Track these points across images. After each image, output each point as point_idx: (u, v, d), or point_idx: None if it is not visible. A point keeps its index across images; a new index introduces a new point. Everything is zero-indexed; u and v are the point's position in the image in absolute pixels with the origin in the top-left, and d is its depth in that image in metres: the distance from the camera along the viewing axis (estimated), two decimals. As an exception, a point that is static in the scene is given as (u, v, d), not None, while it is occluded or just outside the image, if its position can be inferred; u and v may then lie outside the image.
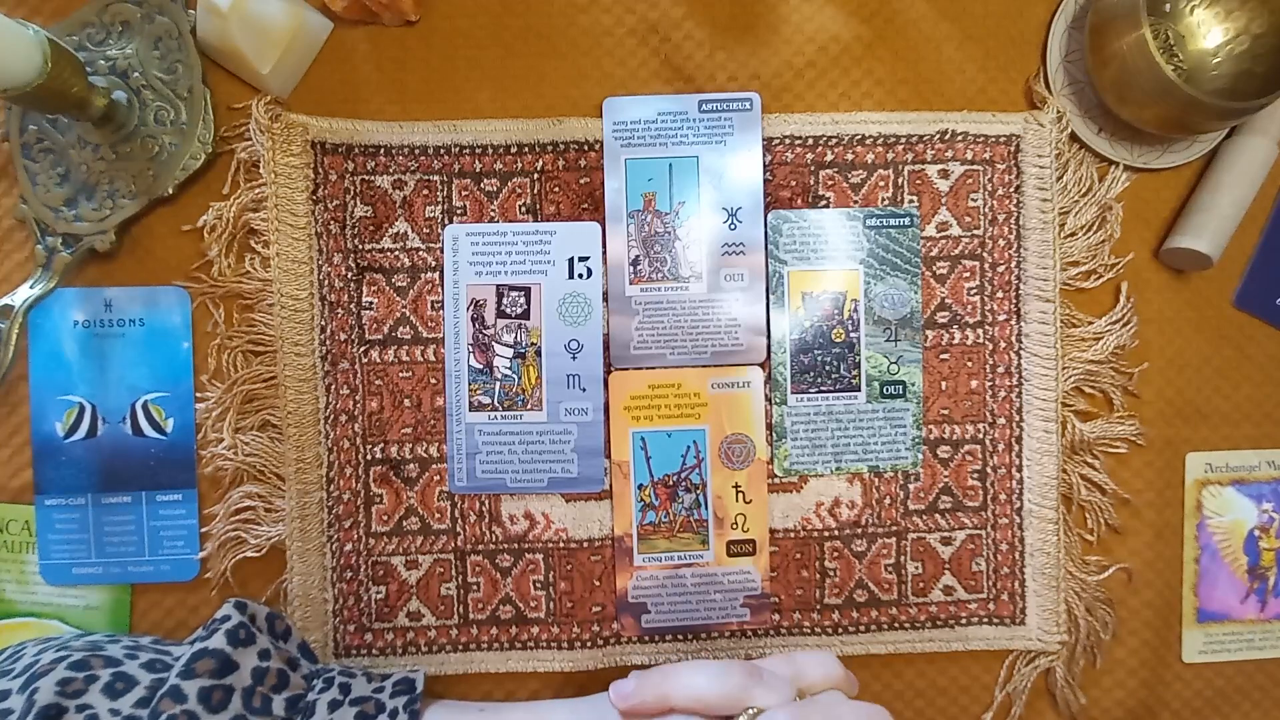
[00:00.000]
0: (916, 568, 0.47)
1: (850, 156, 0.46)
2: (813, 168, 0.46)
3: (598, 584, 0.46)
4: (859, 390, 0.46)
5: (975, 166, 0.47)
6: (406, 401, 0.45)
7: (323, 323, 0.45)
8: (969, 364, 0.47)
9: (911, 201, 0.47)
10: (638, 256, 0.46)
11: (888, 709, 0.34)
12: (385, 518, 0.45)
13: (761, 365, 0.46)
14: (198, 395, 0.45)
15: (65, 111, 0.41)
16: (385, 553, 0.46)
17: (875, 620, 0.47)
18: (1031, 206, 0.46)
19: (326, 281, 0.45)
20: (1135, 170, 0.47)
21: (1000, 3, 0.47)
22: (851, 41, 0.46)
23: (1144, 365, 0.48)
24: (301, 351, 0.45)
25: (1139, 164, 0.47)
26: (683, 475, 0.46)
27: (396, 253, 0.45)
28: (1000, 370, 0.47)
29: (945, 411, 0.47)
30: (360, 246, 0.45)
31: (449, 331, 0.45)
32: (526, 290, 0.46)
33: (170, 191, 0.44)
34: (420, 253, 0.46)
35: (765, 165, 0.46)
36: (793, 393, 0.46)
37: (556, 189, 0.46)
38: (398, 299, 0.45)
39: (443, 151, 0.45)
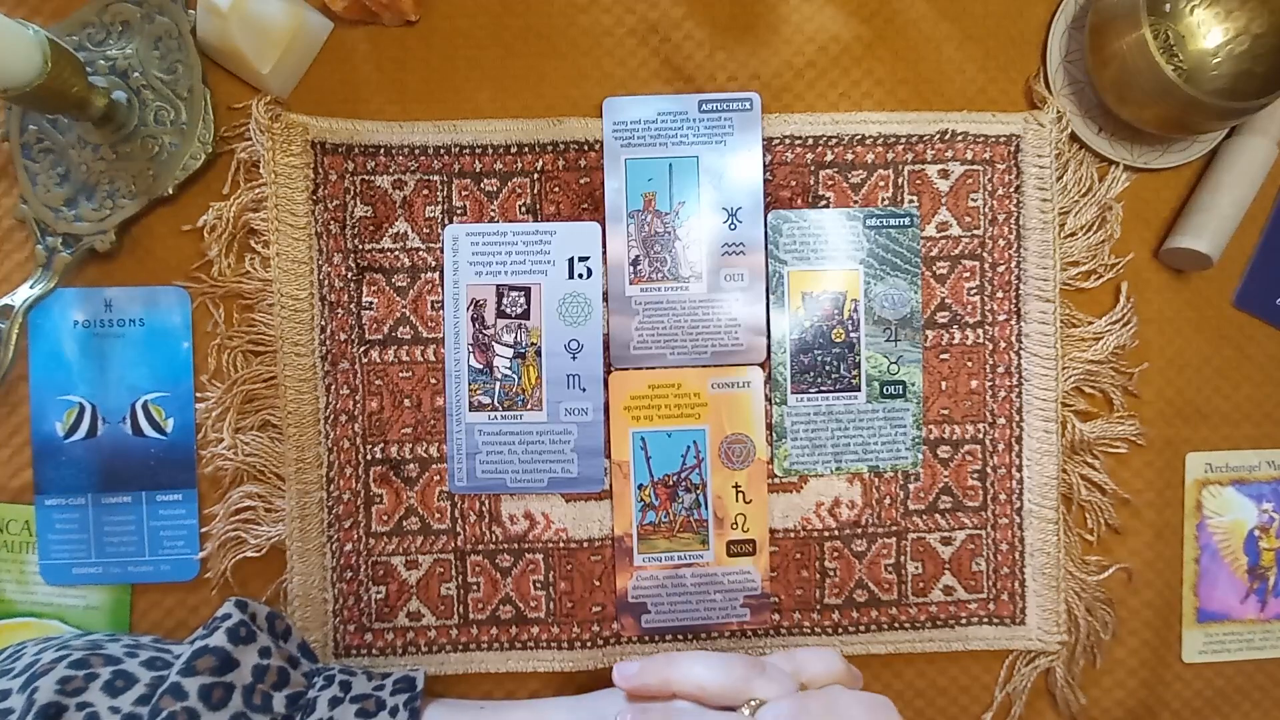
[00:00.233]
0: (916, 568, 0.47)
1: (850, 156, 0.46)
2: (813, 168, 0.46)
3: (598, 584, 0.46)
4: (859, 390, 0.46)
5: (975, 166, 0.47)
6: (406, 401, 0.45)
7: (323, 323, 0.45)
8: (969, 364, 0.47)
9: (911, 201, 0.47)
10: (638, 256, 0.46)
11: (888, 707, 0.34)
12: (385, 518, 0.46)
13: (761, 365, 0.46)
14: (198, 395, 0.45)
15: (65, 111, 0.41)
16: (385, 553, 0.46)
17: (875, 620, 0.47)
18: (1031, 206, 0.46)
19: (326, 281, 0.45)
20: (1135, 170, 0.47)
21: (1000, 3, 0.47)
22: (851, 41, 0.46)
23: (1144, 365, 0.48)
24: (301, 351, 0.45)
25: (1139, 164, 0.47)
26: (683, 475, 0.46)
27: (396, 253, 0.45)
28: (1000, 370, 0.47)
29: (945, 411, 0.47)
30: (360, 246, 0.45)
31: (449, 331, 0.45)
32: (526, 290, 0.46)
33: (170, 191, 0.44)
34: (420, 253, 0.46)
35: (765, 165, 0.46)
36: (793, 393, 0.46)
37: (556, 189, 0.46)
38: (398, 299, 0.46)
39: (443, 151, 0.45)
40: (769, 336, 0.46)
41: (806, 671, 0.35)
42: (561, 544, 0.46)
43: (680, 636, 0.46)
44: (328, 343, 0.45)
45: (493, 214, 0.46)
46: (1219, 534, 0.49)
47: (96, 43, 0.44)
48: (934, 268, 0.47)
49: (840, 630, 0.47)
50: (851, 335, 0.46)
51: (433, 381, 0.46)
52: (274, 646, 0.37)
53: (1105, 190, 0.47)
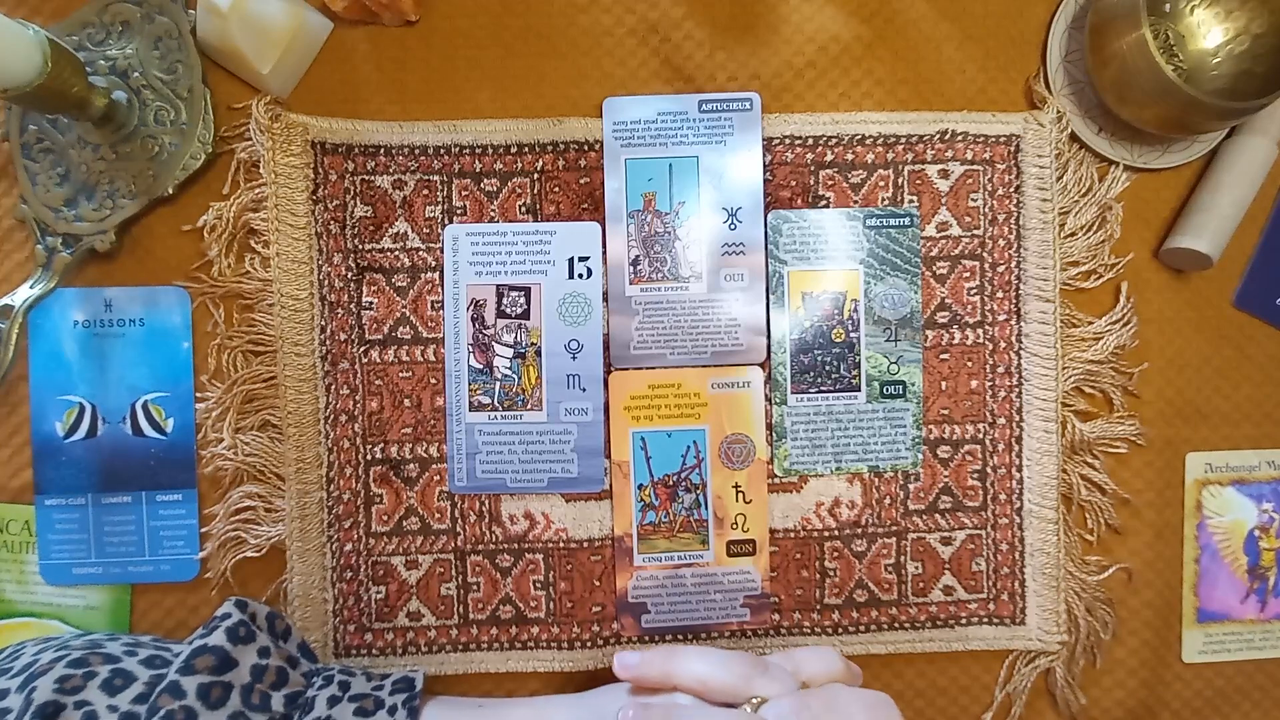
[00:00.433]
0: (916, 568, 0.47)
1: (850, 156, 0.46)
2: (813, 168, 0.46)
3: (598, 584, 0.46)
4: (859, 390, 0.46)
5: (975, 166, 0.47)
6: (406, 401, 0.45)
7: (323, 323, 0.45)
8: (969, 364, 0.47)
9: (911, 201, 0.47)
10: (638, 256, 0.46)
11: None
12: (385, 518, 0.45)
13: (761, 365, 0.46)
14: (198, 395, 0.45)
15: (65, 111, 0.41)
16: (385, 553, 0.46)
17: (875, 620, 0.47)
18: (1031, 206, 0.46)
19: (326, 281, 0.45)
20: (1135, 170, 0.47)
21: (1000, 3, 0.47)
22: (851, 41, 0.46)
23: (1144, 365, 0.48)
24: (301, 351, 0.45)
25: (1139, 164, 0.47)
26: (683, 475, 0.46)
27: (396, 253, 0.45)
28: (1000, 370, 0.47)
29: (945, 411, 0.47)
30: (360, 246, 0.45)
31: (449, 331, 0.45)
32: (526, 290, 0.46)
33: (170, 191, 0.44)
34: (420, 253, 0.46)
35: (765, 165, 0.46)
36: (793, 393, 0.46)
37: (556, 189, 0.46)
38: (398, 299, 0.46)
39: (443, 151, 0.45)
40: (769, 336, 0.46)
41: (805, 671, 0.35)
42: (561, 544, 0.46)
43: (680, 636, 0.46)
44: (328, 343, 0.45)
45: (493, 214, 0.46)
46: (1219, 534, 0.49)
47: (96, 43, 0.44)
48: (934, 268, 0.47)
49: (840, 630, 0.47)
50: (851, 335, 0.46)
51: (433, 381, 0.46)
52: (273, 646, 0.37)
53: (1105, 190, 0.47)
